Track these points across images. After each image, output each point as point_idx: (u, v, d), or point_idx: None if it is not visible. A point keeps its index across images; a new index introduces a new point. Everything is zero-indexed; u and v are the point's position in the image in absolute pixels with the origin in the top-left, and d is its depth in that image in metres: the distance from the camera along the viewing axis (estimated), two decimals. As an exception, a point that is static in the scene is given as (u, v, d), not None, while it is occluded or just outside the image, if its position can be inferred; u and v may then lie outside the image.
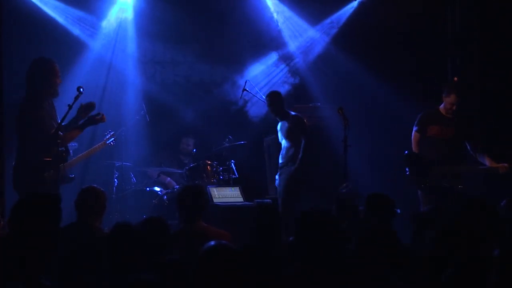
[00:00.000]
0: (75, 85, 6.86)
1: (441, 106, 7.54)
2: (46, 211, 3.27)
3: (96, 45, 9.69)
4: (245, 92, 8.93)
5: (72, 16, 9.54)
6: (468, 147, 7.49)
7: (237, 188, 8.32)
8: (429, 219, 4.75)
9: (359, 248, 3.93)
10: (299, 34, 10.23)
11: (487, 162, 7.36)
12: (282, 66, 10.22)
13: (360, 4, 9.90)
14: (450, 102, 7.42)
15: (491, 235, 4.23)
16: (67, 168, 6.80)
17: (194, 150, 9.32)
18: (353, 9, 9.99)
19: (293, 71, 10.16)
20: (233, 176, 8.74)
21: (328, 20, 10.12)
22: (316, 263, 3.79)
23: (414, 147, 7.58)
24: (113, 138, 8.16)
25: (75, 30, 9.55)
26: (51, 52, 8.84)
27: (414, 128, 7.61)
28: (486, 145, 7.54)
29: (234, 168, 8.83)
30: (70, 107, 6.48)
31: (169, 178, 9.33)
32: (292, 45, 10.23)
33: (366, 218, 4.98)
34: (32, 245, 3.18)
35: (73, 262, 4.10)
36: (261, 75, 10.09)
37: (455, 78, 9.27)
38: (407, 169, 7.46)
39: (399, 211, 7.83)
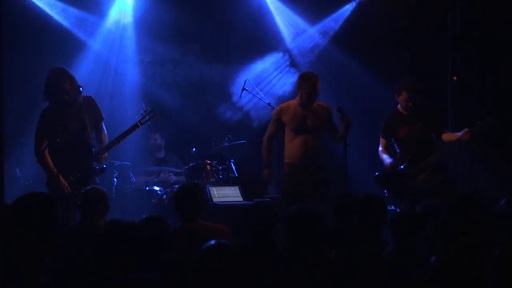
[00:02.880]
0: (74, 84, 6.94)
1: (398, 106, 7.60)
2: (44, 211, 3.27)
3: (95, 45, 9.68)
4: (244, 91, 8.92)
5: (72, 15, 9.53)
6: (434, 135, 7.53)
7: (237, 188, 8.31)
8: (418, 220, 4.74)
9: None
10: (298, 34, 10.23)
11: (450, 137, 7.39)
12: (282, 65, 10.21)
13: (359, 4, 9.90)
14: (404, 99, 7.48)
15: (487, 233, 4.23)
16: (97, 160, 6.95)
17: (194, 149, 9.31)
18: (352, 8, 9.98)
19: (293, 71, 10.15)
20: (233, 176, 8.74)
21: (327, 20, 10.12)
22: (307, 262, 3.80)
23: (381, 151, 7.65)
24: (148, 117, 7.43)
25: (75, 30, 9.55)
26: (51, 51, 8.90)
27: (380, 135, 7.69)
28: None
29: (233, 167, 8.82)
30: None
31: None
32: (292, 45, 10.22)
33: (358, 220, 4.91)
34: (32, 245, 3.17)
35: (77, 262, 4.10)
36: (260, 75, 10.07)
37: (454, 78, 9.28)
38: (385, 191, 7.53)
39: (398, 210, 7.86)
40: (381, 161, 7.76)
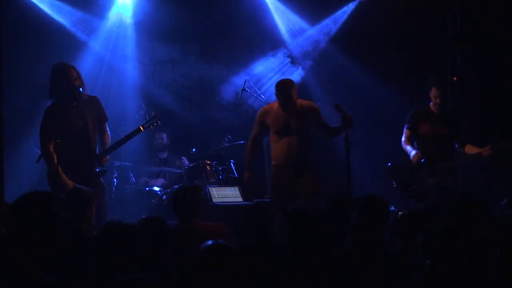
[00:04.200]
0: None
1: (431, 104, 7.58)
2: (44, 210, 3.26)
3: (95, 45, 9.69)
4: (244, 91, 8.93)
5: (72, 15, 9.54)
6: (457, 145, 7.50)
7: (236, 188, 8.31)
8: (419, 219, 4.75)
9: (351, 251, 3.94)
10: (298, 34, 10.23)
11: (472, 150, 7.36)
12: (282, 65, 10.22)
13: (359, 4, 9.90)
14: (433, 96, 7.46)
15: (487, 234, 4.22)
16: (98, 162, 6.80)
17: (194, 150, 9.31)
18: (352, 8, 9.98)
19: (293, 71, 10.15)
20: (232, 176, 8.73)
21: (327, 20, 10.12)
22: (307, 262, 3.80)
23: (405, 143, 7.56)
24: (152, 121, 7.13)
25: (74, 30, 9.55)
26: (50, 52, 8.88)
27: (405, 126, 7.61)
28: (473, 142, 7.56)
29: (233, 167, 8.82)
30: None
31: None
32: (292, 45, 10.23)
33: (358, 220, 4.89)
34: (31, 245, 3.17)
35: (77, 262, 4.10)
36: (260, 75, 10.08)
37: (454, 78, 9.27)
38: (393, 182, 7.50)
39: (395, 209, 7.85)
40: (384, 156, 7.75)
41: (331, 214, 5.07)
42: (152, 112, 7.22)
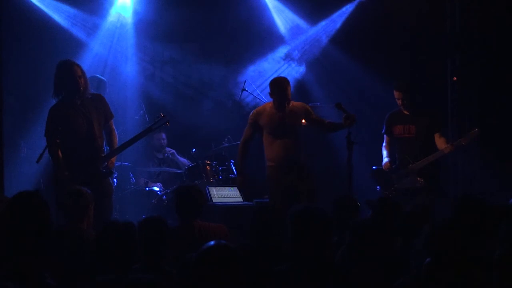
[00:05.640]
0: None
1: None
2: (35, 209, 3.26)
3: (95, 45, 9.68)
4: (244, 91, 8.92)
5: (71, 15, 9.54)
6: (435, 141, 7.44)
7: (236, 188, 8.30)
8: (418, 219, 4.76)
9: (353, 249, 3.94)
10: (298, 34, 10.24)
11: (440, 145, 7.32)
12: (281, 66, 10.22)
13: (359, 4, 9.90)
14: (396, 98, 7.46)
15: (487, 234, 4.23)
16: (104, 164, 6.69)
17: (194, 150, 9.31)
18: (352, 8, 9.99)
19: (292, 71, 10.15)
20: (232, 176, 8.73)
21: (327, 20, 10.12)
22: (308, 262, 3.80)
23: (384, 147, 7.65)
24: (162, 123, 6.88)
25: (74, 30, 9.55)
26: (50, 52, 8.89)
27: (382, 131, 7.68)
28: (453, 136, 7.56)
29: (233, 168, 8.82)
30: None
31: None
32: (292, 45, 10.24)
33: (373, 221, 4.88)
34: (28, 244, 3.17)
35: (77, 263, 4.10)
36: (260, 75, 10.08)
37: (454, 78, 9.28)
38: (378, 187, 7.53)
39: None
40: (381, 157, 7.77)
41: (332, 214, 5.07)
42: (161, 114, 7.04)
